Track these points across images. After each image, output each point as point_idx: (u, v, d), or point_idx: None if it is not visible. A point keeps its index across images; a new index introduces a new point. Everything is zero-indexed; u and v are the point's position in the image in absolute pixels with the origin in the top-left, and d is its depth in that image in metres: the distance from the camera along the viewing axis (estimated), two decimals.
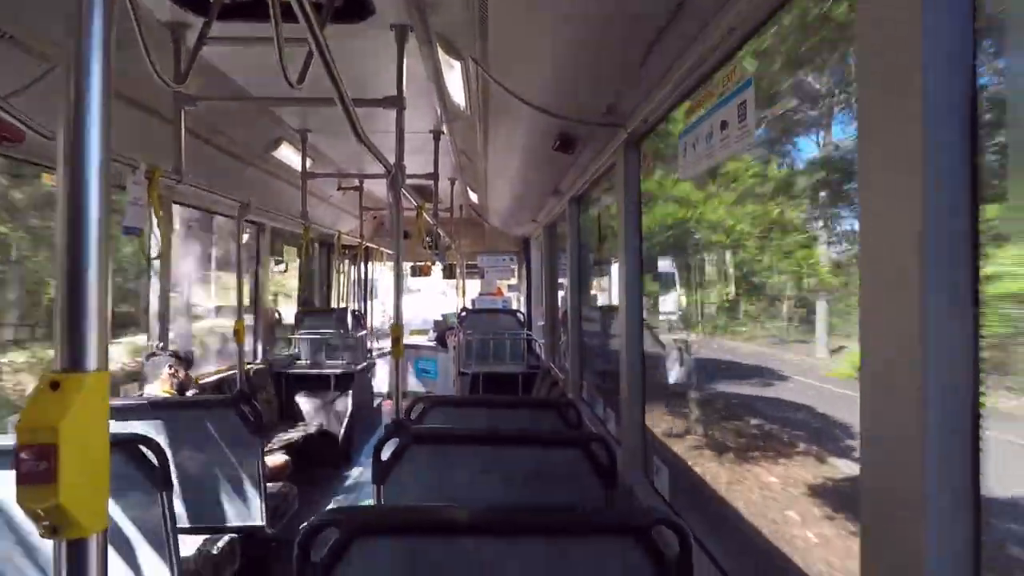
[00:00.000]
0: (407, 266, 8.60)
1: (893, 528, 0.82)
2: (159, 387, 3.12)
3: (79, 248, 0.70)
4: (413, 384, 7.94)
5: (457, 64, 2.39)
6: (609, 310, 3.57)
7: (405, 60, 2.43)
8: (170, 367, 3.20)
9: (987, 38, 0.78)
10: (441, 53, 2.34)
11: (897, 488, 0.81)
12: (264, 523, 2.66)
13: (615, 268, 2.94)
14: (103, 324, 0.71)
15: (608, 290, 4.12)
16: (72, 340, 0.69)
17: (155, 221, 2.46)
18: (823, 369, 2.99)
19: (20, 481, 0.65)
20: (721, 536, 1.77)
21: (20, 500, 0.66)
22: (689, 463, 2.15)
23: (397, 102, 2.47)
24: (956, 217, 0.76)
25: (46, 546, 0.68)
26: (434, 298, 14.33)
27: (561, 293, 5.76)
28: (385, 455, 1.86)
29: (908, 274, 0.77)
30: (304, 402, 5.48)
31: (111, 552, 1.77)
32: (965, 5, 0.75)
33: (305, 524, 1.12)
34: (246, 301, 4.23)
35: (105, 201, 0.72)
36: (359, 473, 5.25)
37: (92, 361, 0.70)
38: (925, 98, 0.75)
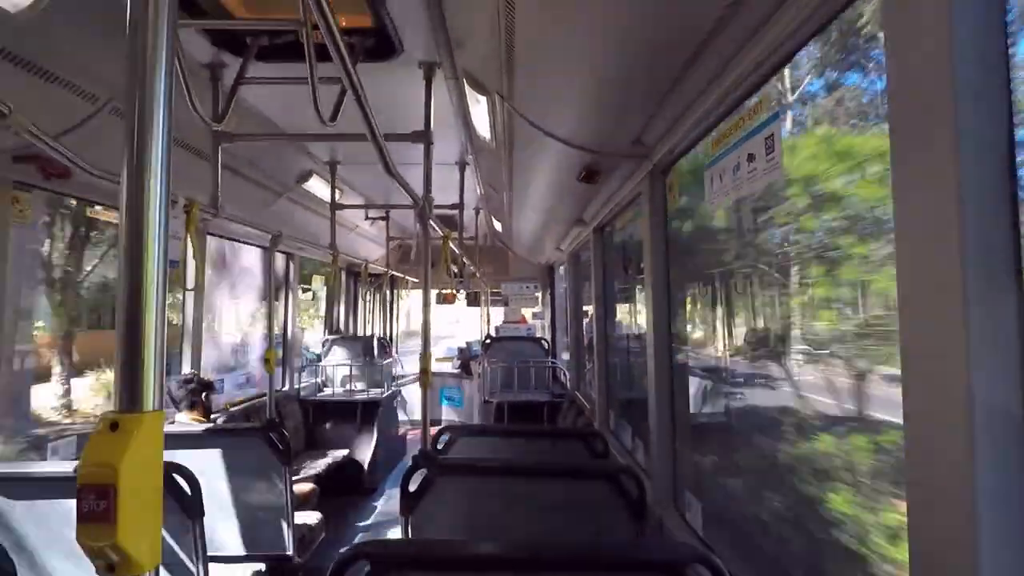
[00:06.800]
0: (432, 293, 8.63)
1: (941, 531, 0.80)
2: (187, 415, 3.16)
3: (139, 291, 0.72)
4: (438, 412, 7.92)
5: (483, 99, 2.44)
6: (636, 338, 3.53)
7: (432, 96, 2.50)
8: (190, 391, 3.17)
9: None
10: (468, 89, 2.40)
11: (944, 486, 0.79)
12: (292, 552, 2.66)
13: (641, 296, 2.92)
14: (160, 364, 0.73)
15: (634, 318, 4.09)
16: (131, 381, 0.71)
17: (191, 253, 2.54)
18: None
19: (80, 519, 0.67)
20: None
21: (80, 538, 0.67)
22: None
23: (425, 136, 2.53)
24: (994, 216, 0.75)
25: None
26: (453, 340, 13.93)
27: (586, 321, 5.72)
28: (412, 486, 1.86)
29: (947, 278, 0.76)
30: (330, 430, 5.50)
31: None
32: None
33: (336, 558, 1.12)
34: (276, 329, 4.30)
35: (165, 245, 0.74)
36: (385, 502, 5.22)
37: (149, 401, 0.72)
38: (958, 103, 0.75)
